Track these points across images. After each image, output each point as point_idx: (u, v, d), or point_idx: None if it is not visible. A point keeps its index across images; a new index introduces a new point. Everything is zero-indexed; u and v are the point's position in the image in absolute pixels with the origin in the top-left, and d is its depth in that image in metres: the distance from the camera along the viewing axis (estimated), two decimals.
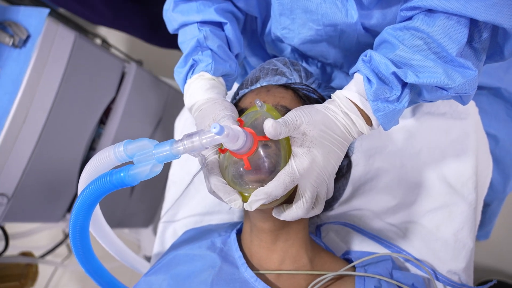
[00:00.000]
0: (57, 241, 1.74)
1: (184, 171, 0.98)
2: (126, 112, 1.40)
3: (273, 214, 0.54)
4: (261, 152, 0.51)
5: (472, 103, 0.77)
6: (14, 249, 1.60)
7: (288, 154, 0.51)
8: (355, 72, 0.55)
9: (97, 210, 0.67)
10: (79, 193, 0.58)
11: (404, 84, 0.51)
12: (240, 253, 0.65)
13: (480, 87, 0.84)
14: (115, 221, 1.50)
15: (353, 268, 0.66)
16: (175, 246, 0.74)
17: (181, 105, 1.23)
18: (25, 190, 1.15)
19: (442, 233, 0.71)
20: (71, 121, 1.23)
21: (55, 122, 1.17)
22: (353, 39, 0.66)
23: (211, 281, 0.61)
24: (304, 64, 0.82)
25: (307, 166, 0.49)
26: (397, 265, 0.70)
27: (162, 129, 1.60)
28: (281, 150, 0.51)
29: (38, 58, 1.08)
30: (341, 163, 0.70)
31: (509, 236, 1.46)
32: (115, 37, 2.31)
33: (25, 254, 1.45)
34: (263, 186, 0.49)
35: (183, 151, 0.48)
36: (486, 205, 1.05)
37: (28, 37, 1.11)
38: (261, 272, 0.64)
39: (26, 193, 1.16)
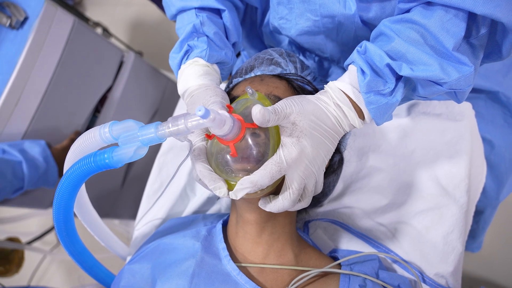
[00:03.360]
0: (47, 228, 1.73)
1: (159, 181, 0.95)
2: (122, 102, 1.39)
3: (258, 204, 0.53)
4: (249, 140, 0.50)
5: (468, 106, 0.76)
6: (1, 233, 1.59)
7: (277, 143, 0.50)
8: (350, 64, 0.54)
9: (84, 195, 0.66)
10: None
11: (398, 78, 0.50)
12: (224, 245, 0.64)
13: (478, 91, 0.83)
14: (105, 211, 1.49)
15: (339, 266, 0.65)
16: (159, 234, 0.73)
17: (179, 97, 1.22)
18: None
19: (431, 235, 0.70)
20: (64, 107, 1.22)
21: (49, 107, 1.16)
22: (350, 32, 0.65)
23: (192, 272, 0.60)
24: (301, 58, 0.81)
25: (295, 157, 0.48)
26: (384, 266, 0.69)
27: (158, 121, 1.59)
28: (270, 139, 0.50)
29: (34, 40, 1.07)
30: (333, 158, 0.69)
31: (498, 246, 1.45)
32: (117, 28, 2.30)
33: (12, 239, 1.43)
34: (249, 175, 0.48)
35: (168, 134, 0.47)
36: (479, 213, 1.04)
37: (25, 18, 1.10)
38: (244, 265, 0.62)
39: None
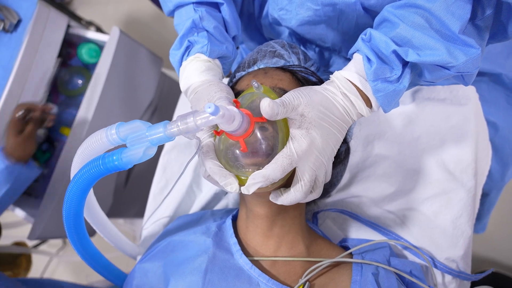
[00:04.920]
0: None
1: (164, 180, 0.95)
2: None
3: (270, 198, 0.53)
4: (258, 134, 0.49)
5: (472, 89, 0.75)
6: (7, 239, 1.59)
7: (286, 136, 0.50)
8: (355, 52, 0.53)
9: (91, 196, 0.66)
10: (71, 178, 0.57)
11: (405, 64, 0.50)
12: (235, 240, 0.64)
13: (480, 73, 0.82)
14: (109, 211, 1.48)
15: (350, 255, 0.65)
16: (169, 232, 0.73)
17: (178, 94, 1.21)
18: None
19: (440, 220, 0.70)
20: None
21: None
22: (352, 20, 0.64)
23: (205, 268, 0.60)
24: (302, 49, 0.80)
25: (305, 148, 0.48)
26: (395, 253, 0.69)
27: (158, 119, 1.58)
28: (278, 132, 0.50)
29: (29, 43, 1.06)
30: (339, 148, 0.69)
31: (504, 227, 1.46)
32: (110, 26, 2.27)
33: (18, 244, 1.43)
34: (260, 169, 0.48)
35: (178, 133, 0.46)
36: (485, 195, 1.04)
37: (19, 21, 1.09)
38: (256, 258, 0.62)
39: None
